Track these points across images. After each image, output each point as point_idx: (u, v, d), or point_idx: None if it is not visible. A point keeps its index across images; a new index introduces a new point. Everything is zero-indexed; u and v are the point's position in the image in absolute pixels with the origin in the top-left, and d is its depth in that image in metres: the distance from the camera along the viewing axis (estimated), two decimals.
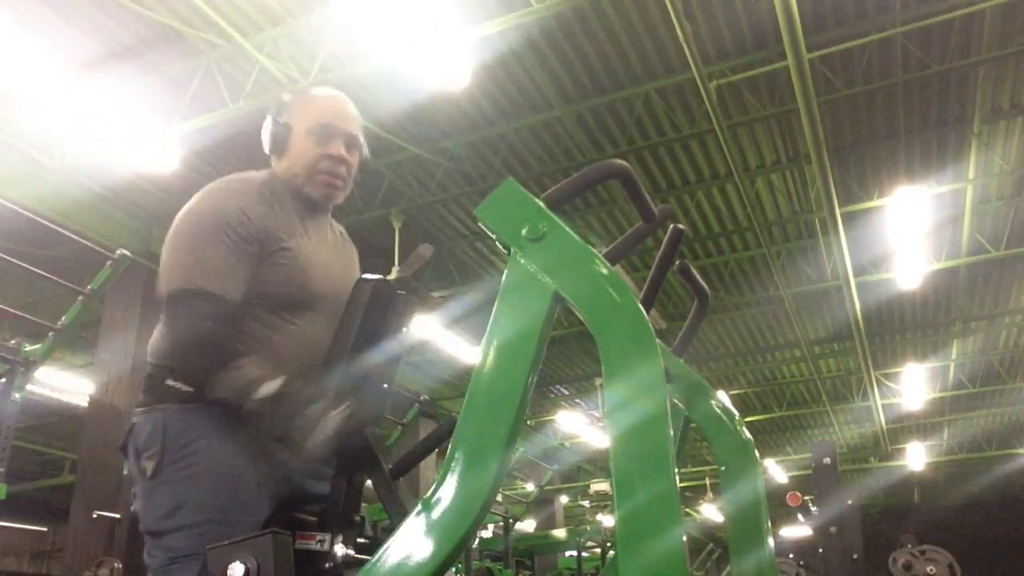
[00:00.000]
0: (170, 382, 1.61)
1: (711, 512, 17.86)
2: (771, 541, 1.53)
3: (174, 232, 1.65)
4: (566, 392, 13.85)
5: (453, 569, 1.19)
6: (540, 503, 14.96)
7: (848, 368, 12.96)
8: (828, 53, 6.22)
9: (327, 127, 1.75)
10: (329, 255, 1.81)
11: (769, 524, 1.54)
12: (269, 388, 1.51)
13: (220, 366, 1.54)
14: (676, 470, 1.01)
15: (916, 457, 16.23)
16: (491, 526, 10.23)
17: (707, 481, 16.85)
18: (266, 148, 1.80)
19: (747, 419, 13.70)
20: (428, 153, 7.51)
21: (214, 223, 1.61)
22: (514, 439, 1.11)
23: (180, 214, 1.67)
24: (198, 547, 1.44)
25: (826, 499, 6.78)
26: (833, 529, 6.60)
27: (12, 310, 4.58)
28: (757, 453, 1.60)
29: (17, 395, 4.12)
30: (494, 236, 1.21)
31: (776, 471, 16.59)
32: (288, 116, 1.77)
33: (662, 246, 1.60)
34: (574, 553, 10.68)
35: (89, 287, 4.20)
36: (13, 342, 4.27)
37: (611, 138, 7.40)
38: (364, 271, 1.80)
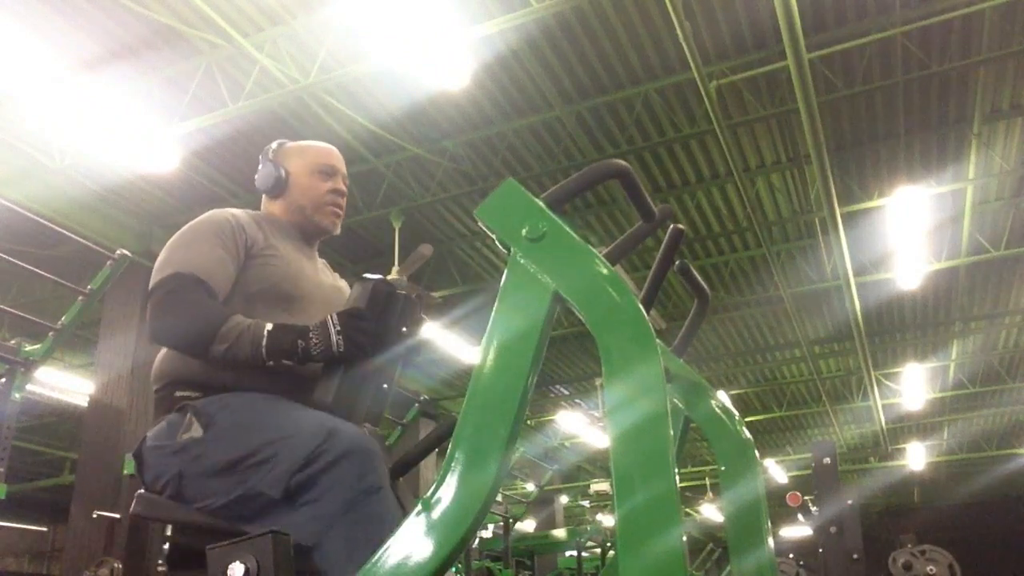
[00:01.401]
0: (178, 393, 1.67)
1: (711, 512, 17.87)
2: (771, 541, 1.53)
3: (168, 243, 1.77)
4: (566, 392, 13.85)
5: (453, 569, 1.19)
6: (540, 503, 14.96)
7: (848, 368, 12.97)
8: (828, 53, 6.22)
9: (331, 167, 1.97)
10: (319, 274, 1.94)
11: (769, 524, 1.54)
12: (269, 324, 1.60)
13: (212, 339, 1.57)
14: (676, 470, 1.01)
15: (916, 457, 16.25)
16: (491, 526, 10.24)
17: (707, 481, 16.86)
18: (263, 188, 1.96)
19: (747, 419, 13.71)
20: (428, 153, 7.51)
21: (206, 228, 1.76)
22: (514, 439, 1.11)
23: (175, 234, 1.79)
24: (277, 449, 1.45)
25: (826, 499, 6.78)
26: (833, 529, 6.60)
27: (12, 310, 4.58)
28: (757, 453, 1.60)
29: (17, 395, 4.11)
30: (494, 236, 1.21)
31: (776, 471, 16.60)
32: (285, 162, 1.95)
33: (662, 246, 1.60)
34: (574, 553, 10.68)
35: (89, 287, 4.19)
36: (13, 342, 4.27)
37: (611, 138, 7.40)
38: (364, 271, 1.81)
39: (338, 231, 1.99)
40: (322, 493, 1.39)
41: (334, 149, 2.02)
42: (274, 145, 1.99)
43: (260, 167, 1.97)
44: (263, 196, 1.99)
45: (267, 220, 1.90)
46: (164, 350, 1.73)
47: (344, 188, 1.99)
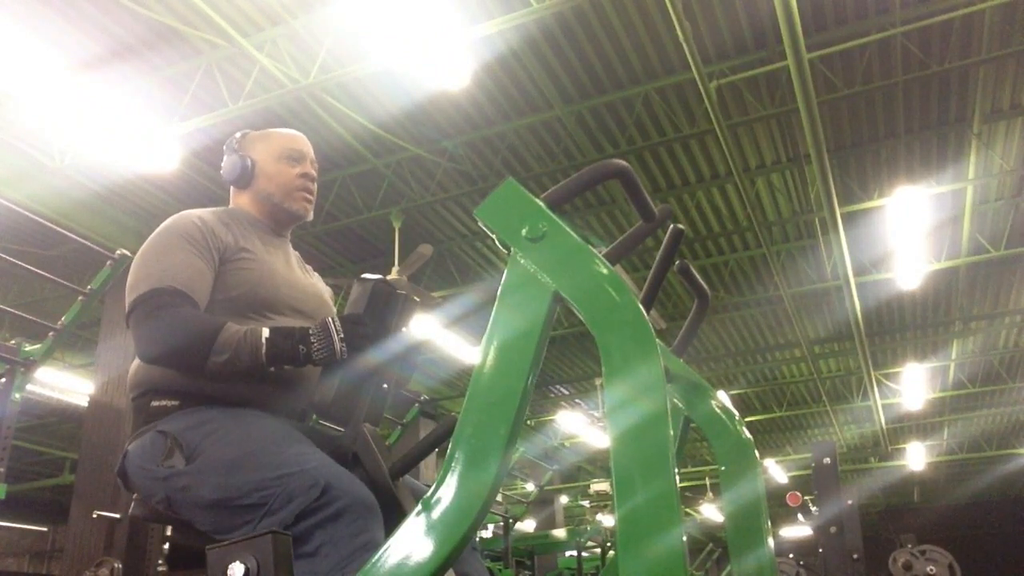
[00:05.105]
0: (155, 403, 1.64)
1: (711, 512, 17.88)
2: (771, 541, 1.53)
3: (138, 255, 1.72)
4: (566, 392, 13.86)
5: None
6: (540, 503, 14.96)
7: (848, 368, 12.97)
8: (828, 53, 6.22)
9: (298, 151, 1.92)
10: (294, 271, 1.89)
11: (769, 524, 1.54)
12: (266, 330, 1.57)
13: (208, 352, 1.54)
14: (676, 470, 1.01)
15: (916, 457, 16.25)
16: (491, 526, 10.24)
17: (707, 481, 16.86)
18: (229, 179, 1.91)
19: (747, 419, 13.71)
20: (428, 153, 7.51)
21: (176, 235, 1.70)
22: (514, 439, 1.11)
23: (143, 245, 1.73)
24: (268, 497, 1.41)
25: (826, 499, 6.78)
26: (833, 529, 6.60)
27: (12, 310, 4.58)
28: (757, 453, 1.60)
29: (17, 395, 4.11)
30: (494, 236, 1.21)
31: (776, 471, 16.60)
32: (250, 151, 1.90)
33: (662, 246, 1.59)
34: (574, 553, 10.68)
35: (89, 287, 4.19)
36: (13, 342, 4.27)
37: (611, 138, 7.40)
38: (364, 271, 1.81)
39: (311, 216, 1.95)
40: (317, 548, 1.36)
41: (300, 134, 1.97)
42: (237, 135, 1.94)
43: (224, 158, 1.91)
44: (231, 188, 1.94)
45: (235, 217, 1.85)
46: (136, 361, 1.69)
47: (314, 172, 1.94)
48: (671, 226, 1.58)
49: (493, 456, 1.09)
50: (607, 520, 16.08)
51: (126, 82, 6.29)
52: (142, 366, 1.68)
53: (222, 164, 1.93)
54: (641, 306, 1.09)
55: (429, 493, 1.10)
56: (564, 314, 1.19)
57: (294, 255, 1.97)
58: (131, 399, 1.71)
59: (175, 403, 1.62)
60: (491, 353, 1.14)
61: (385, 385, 1.69)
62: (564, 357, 12.29)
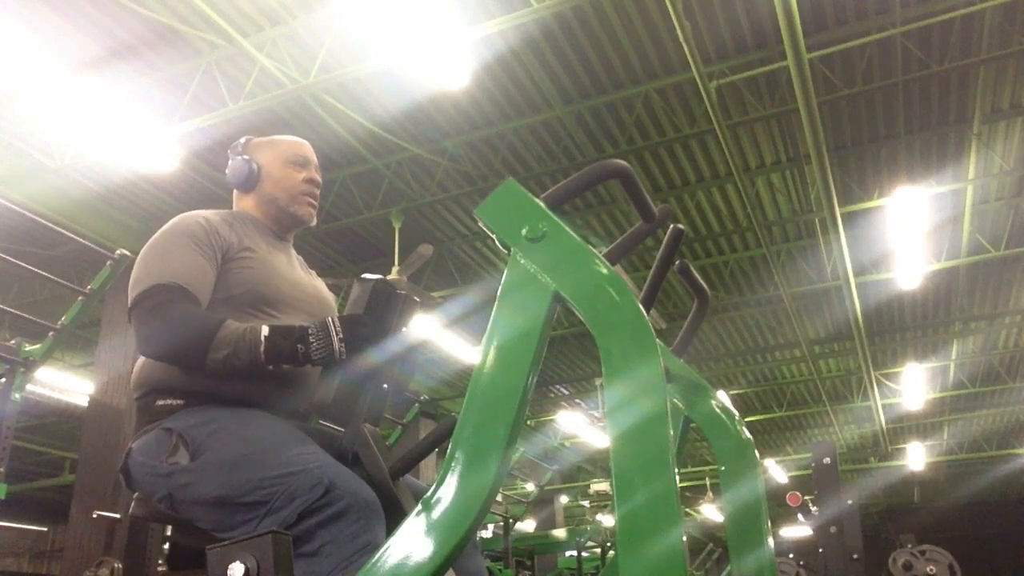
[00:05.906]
0: (160, 402, 1.64)
1: (711, 512, 17.87)
2: (771, 541, 1.53)
3: (142, 253, 1.73)
4: (566, 392, 13.86)
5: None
6: (540, 503, 14.95)
7: (848, 368, 12.97)
8: (828, 53, 6.22)
9: (303, 157, 1.96)
10: (297, 272, 1.91)
11: (769, 524, 1.54)
12: (265, 328, 1.57)
13: (207, 348, 1.55)
14: (676, 470, 1.01)
15: (916, 457, 16.25)
16: (491, 526, 10.24)
17: (707, 481, 16.86)
18: (235, 183, 1.94)
19: (747, 419, 13.71)
20: (428, 153, 7.51)
21: (180, 234, 1.72)
22: (514, 439, 1.11)
23: (147, 243, 1.75)
24: (270, 496, 1.42)
25: (826, 499, 6.77)
26: (833, 529, 6.60)
27: (12, 310, 4.57)
28: (757, 453, 1.60)
29: (17, 395, 4.10)
30: (494, 236, 1.21)
31: (776, 471, 16.60)
32: (256, 155, 1.93)
33: (662, 246, 1.59)
34: (574, 553, 10.68)
35: (89, 287, 4.18)
36: (13, 342, 4.26)
37: (611, 138, 7.40)
38: (364, 271, 1.81)
39: (314, 222, 1.97)
40: (319, 548, 1.36)
41: (304, 141, 2.00)
42: (242, 140, 1.96)
43: (230, 162, 1.93)
44: (235, 192, 1.96)
45: (239, 219, 1.86)
46: (144, 357, 1.70)
47: (318, 178, 1.97)
48: (671, 226, 1.57)
49: (493, 456, 1.09)
50: (607, 520, 16.09)
51: (126, 82, 6.29)
52: (146, 366, 1.69)
53: (227, 168, 1.94)
54: (641, 306, 1.09)
55: (429, 493, 1.10)
56: (564, 314, 1.19)
57: (296, 258, 1.98)
58: (135, 398, 1.71)
59: (180, 402, 1.63)
60: (491, 353, 1.14)
61: (385, 385, 1.69)
62: (564, 357, 12.29)
